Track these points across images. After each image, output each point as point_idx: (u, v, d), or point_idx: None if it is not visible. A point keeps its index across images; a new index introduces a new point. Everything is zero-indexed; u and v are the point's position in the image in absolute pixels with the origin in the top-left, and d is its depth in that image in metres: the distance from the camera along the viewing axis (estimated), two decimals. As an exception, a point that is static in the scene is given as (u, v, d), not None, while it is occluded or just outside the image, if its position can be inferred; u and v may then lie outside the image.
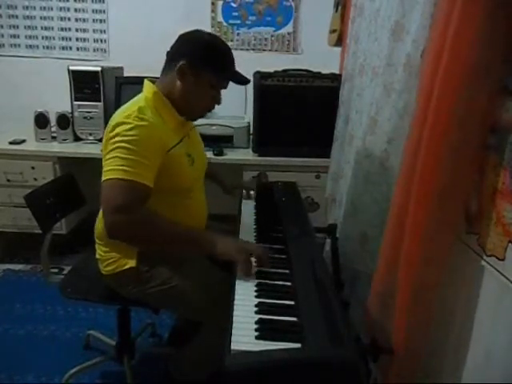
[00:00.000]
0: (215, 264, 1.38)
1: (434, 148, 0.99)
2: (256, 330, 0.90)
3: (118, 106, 2.20)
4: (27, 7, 2.87)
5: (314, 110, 2.32)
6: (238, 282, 1.09)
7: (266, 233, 1.40)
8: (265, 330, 0.90)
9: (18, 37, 2.92)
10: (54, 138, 2.55)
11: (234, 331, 0.89)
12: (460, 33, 0.90)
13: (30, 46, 2.93)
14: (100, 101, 2.51)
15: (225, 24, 2.89)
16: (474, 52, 0.90)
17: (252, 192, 1.78)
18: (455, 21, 0.90)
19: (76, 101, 2.51)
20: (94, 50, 2.93)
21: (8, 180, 2.41)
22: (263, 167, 2.30)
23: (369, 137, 1.57)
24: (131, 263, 1.32)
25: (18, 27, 2.90)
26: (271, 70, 2.33)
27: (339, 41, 2.38)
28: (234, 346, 0.85)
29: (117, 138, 1.19)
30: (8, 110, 2.83)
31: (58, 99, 2.57)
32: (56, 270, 2.42)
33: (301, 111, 2.32)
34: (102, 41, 2.91)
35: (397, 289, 1.13)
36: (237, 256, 1.14)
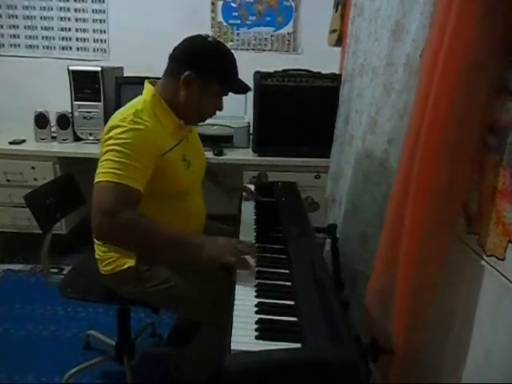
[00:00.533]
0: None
1: (431, 146, 0.99)
2: (256, 330, 0.90)
3: (118, 105, 2.20)
4: (27, 7, 2.87)
5: (314, 110, 2.32)
6: (238, 282, 1.09)
7: (265, 233, 1.40)
8: (265, 330, 0.90)
9: (18, 37, 2.92)
10: (53, 137, 2.55)
11: (234, 331, 0.89)
12: (458, 31, 0.90)
13: (30, 46, 2.93)
14: (100, 101, 2.51)
15: (225, 24, 2.89)
16: (471, 50, 0.90)
17: (252, 186, 1.77)
18: (453, 19, 0.90)
19: (76, 101, 2.51)
20: (94, 50, 2.93)
21: (8, 180, 2.41)
22: (263, 167, 2.30)
23: (369, 137, 1.57)
24: (130, 262, 1.32)
25: (17, 27, 2.90)
26: (271, 70, 2.33)
27: (339, 41, 2.38)
28: (233, 346, 0.85)
29: (110, 141, 1.19)
30: (8, 110, 2.83)
31: (58, 99, 2.57)
32: (56, 270, 2.43)
33: (301, 111, 2.32)
34: (101, 41, 2.91)
35: (395, 288, 1.13)
36: (228, 259, 1.14)
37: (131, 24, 2.84)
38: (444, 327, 1.13)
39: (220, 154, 2.38)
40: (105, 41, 2.91)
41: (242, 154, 2.45)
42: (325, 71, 2.35)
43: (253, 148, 2.43)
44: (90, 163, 2.54)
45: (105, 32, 2.90)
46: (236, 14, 2.88)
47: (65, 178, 1.80)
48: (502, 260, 0.92)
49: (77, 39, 2.92)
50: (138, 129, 1.20)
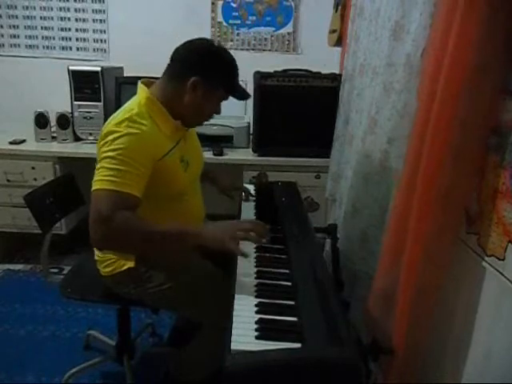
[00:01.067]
0: (214, 263, 1.38)
1: (436, 149, 0.98)
2: (256, 329, 0.90)
3: (118, 106, 2.20)
4: (27, 7, 2.87)
5: (314, 110, 2.31)
6: (238, 282, 1.09)
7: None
8: (265, 330, 0.90)
9: (18, 37, 2.92)
10: (54, 137, 2.55)
11: (234, 331, 0.89)
12: (462, 34, 0.90)
13: (30, 46, 2.93)
14: (100, 101, 2.51)
15: (225, 24, 2.89)
16: (476, 53, 0.90)
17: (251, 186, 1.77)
18: (457, 22, 0.90)
19: (76, 101, 2.51)
20: (94, 50, 2.93)
21: (8, 180, 2.41)
22: (263, 167, 2.30)
23: (369, 137, 1.57)
24: (130, 264, 1.32)
25: (17, 27, 2.90)
26: (271, 70, 2.33)
27: (339, 41, 2.38)
28: (233, 346, 0.85)
29: (106, 148, 1.17)
30: (8, 110, 2.83)
31: (58, 99, 2.56)
32: (56, 270, 2.43)
33: (301, 111, 2.32)
34: (102, 41, 2.91)
35: (398, 290, 1.13)
36: (227, 245, 1.10)
37: (131, 24, 2.84)
38: (444, 327, 1.13)
39: (220, 154, 2.38)
40: (105, 41, 2.91)
41: (242, 154, 2.45)
42: (325, 71, 2.35)
43: (253, 148, 2.42)
44: (90, 163, 2.54)
45: (105, 32, 2.90)
46: (236, 14, 2.87)
47: (65, 178, 1.80)
48: (502, 260, 0.92)
49: (77, 39, 2.92)
50: (134, 133, 1.19)
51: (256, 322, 0.93)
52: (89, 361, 1.71)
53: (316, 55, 2.65)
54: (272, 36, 2.90)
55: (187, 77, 1.26)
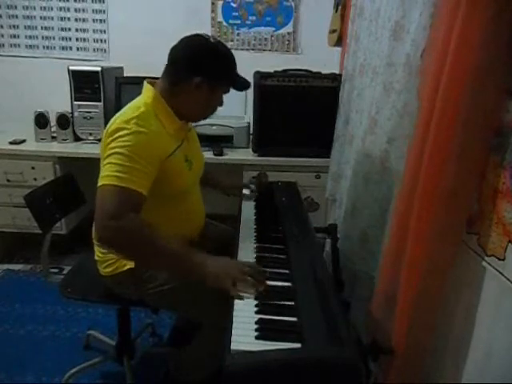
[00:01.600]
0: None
1: (439, 151, 0.98)
2: (256, 330, 0.90)
3: (118, 105, 2.20)
4: (27, 7, 2.87)
5: (313, 110, 2.31)
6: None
7: (265, 233, 1.40)
8: (265, 330, 0.90)
9: (18, 37, 2.92)
10: (53, 137, 2.54)
11: (234, 331, 0.89)
12: (464, 35, 0.90)
13: (30, 46, 2.93)
14: (100, 101, 2.50)
15: (225, 24, 2.89)
16: (478, 54, 0.90)
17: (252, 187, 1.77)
18: (459, 23, 0.90)
19: (76, 101, 2.51)
20: (94, 50, 2.93)
21: (8, 180, 2.41)
22: (263, 167, 2.29)
23: (369, 137, 1.57)
24: (130, 264, 1.32)
25: (17, 27, 2.90)
26: (271, 70, 2.33)
27: (339, 41, 2.38)
28: (233, 346, 0.85)
29: (113, 144, 1.18)
30: (8, 110, 2.83)
31: (58, 99, 2.56)
32: (56, 270, 2.43)
33: (301, 111, 2.32)
34: (102, 41, 2.91)
35: (399, 290, 1.13)
36: (227, 287, 1.06)
37: (131, 24, 2.83)
38: (444, 327, 1.13)
39: (220, 154, 2.38)
40: (105, 41, 2.91)
41: (242, 154, 2.45)
42: (325, 71, 2.35)
43: (253, 148, 2.42)
44: (90, 163, 2.54)
45: (105, 32, 2.90)
46: (236, 14, 2.87)
47: (65, 178, 1.80)
48: (503, 260, 0.92)
49: (77, 39, 2.91)
50: (142, 132, 1.19)
51: (256, 322, 0.93)
52: (89, 361, 1.71)
53: (316, 55, 2.65)
54: (272, 36, 2.90)
55: (190, 77, 1.27)
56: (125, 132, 1.18)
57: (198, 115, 1.41)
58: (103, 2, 2.85)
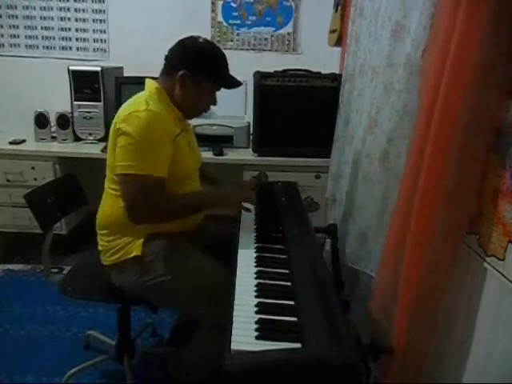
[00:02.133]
0: (217, 259, 1.39)
1: (439, 151, 0.98)
2: (256, 330, 0.90)
3: (118, 105, 2.22)
4: (27, 7, 2.86)
5: (314, 110, 2.31)
6: (238, 282, 1.09)
7: (265, 233, 1.40)
8: (265, 330, 0.90)
9: (18, 37, 2.91)
10: (53, 137, 2.55)
11: (234, 331, 0.89)
12: (465, 35, 0.90)
13: (30, 46, 2.92)
14: (100, 101, 2.51)
15: (225, 24, 2.89)
16: (478, 54, 0.90)
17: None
18: (460, 23, 0.90)
19: (76, 101, 2.51)
20: (94, 50, 2.93)
21: (8, 180, 2.41)
22: (263, 167, 2.29)
23: (369, 137, 1.57)
24: (137, 251, 1.35)
25: (17, 27, 2.90)
26: (271, 70, 2.33)
27: (339, 41, 2.38)
28: (234, 346, 0.85)
29: (126, 129, 1.26)
30: (8, 110, 2.83)
31: (58, 99, 2.57)
32: (56, 270, 2.42)
33: (301, 111, 2.32)
34: (102, 41, 2.91)
35: (399, 291, 1.13)
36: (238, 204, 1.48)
37: (131, 24, 2.83)
38: (444, 327, 1.13)
39: (220, 154, 2.38)
40: (105, 41, 2.91)
41: (242, 154, 2.45)
42: (325, 71, 2.35)
43: (253, 148, 2.42)
44: (90, 163, 2.55)
45: (105, 32, 2.90)
46: (236, 14, 2.87)
47: (66, 178, 1.80)
48: (503, 260, 0.92)
49: (77, 39, 2.91)
50: (153, 114, 1.28)
51: (256, 322, 0.93)
52: (89, 361, 1.71)
53: (316, 55, 2.65)
54: (272, 36, 2.90)
55: (176, 71, 1.37)
56: (136, 116, 1.27)
57: (189, 110, 1.45)
58: (103, 1, 2.85)
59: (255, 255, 1.24)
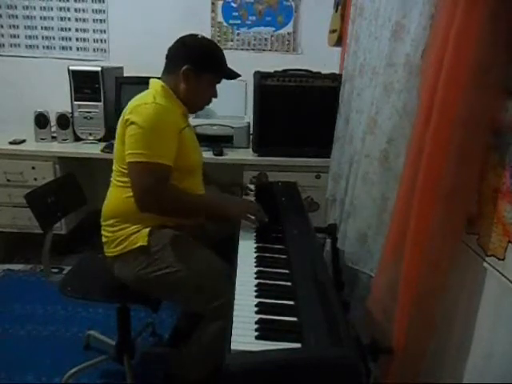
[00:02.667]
0: (219, 256, 1.40)
1: (438, 150, 0.98)
2: (256, 330, 0.90)
3: (118, 105, 2.20)
4: (27, 7, 2.86)
5: (314, 110, 2.31)
6: (238, 282, 1.09)
7: (265, 233, 1.40)
8: (265, 330, 0.90)
9: (18, 37, 2.91)
10: (54, 137, 2.55)
11: (234, 331, 0.89)
12: (463, 34, 0.90)
13: (30, 46, 2.92)
14: (100, 101, 2.51)
15: (225, 24, 2.89)
16: (477, 53, 0.90)
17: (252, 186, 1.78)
18: (458, 21, 0.90)
19: (76, 101, 2.51)
20: (94, 50, 2.93)
21: (8, 180, 2.41)
22: (263, 167, 2.30)
23: (369, 137, 1.57)
24: (142, 241, 1.36)
25: (17, 27, 2.90)
26: (271, 70, 2.33)
27: (339, 41, 2.38)
28: (234, 346, 0.85)
29: (135, 118, 1.31)
30: (8, 110, 2.83)
31: (58, 99, 2.57)
32: (56, 270, 2.42)
33: (301, 111, 2.32)
34: (102, 41, 2.91)
35: (398, 291, 1.13)
36: (239, 219, 1.42)
37: (131, 24, 2.83)
38: (444, 327, 1.13)
39: (220, 154, 2.38)
40: (105, 41, 2.91)
41: (242, 154, 2.45)
42: (325, 71, 2.35)
43: (253, 148, 2.42)
44: (90, 163, 2.55)
45: (105, 32, 2.90)
46: (236, 14, 2.87)
47: (66, 178, 1.80)
48: (503, 260, 0.92)
49: (77, 39, 2.91)
50: (160, 107, 1.33)
51: (256, 322, 0.93)
52: (89, 361, 1.71)
53: (316, 55, 2.65)
54: (272, 36, 2.90)
55: (179, 68, 1.41)
56: (144, 109, 1.32)
57: (193, 104, 1.50)
58: (103, 1, 2.84)
59: (255, 255, 1.24)
